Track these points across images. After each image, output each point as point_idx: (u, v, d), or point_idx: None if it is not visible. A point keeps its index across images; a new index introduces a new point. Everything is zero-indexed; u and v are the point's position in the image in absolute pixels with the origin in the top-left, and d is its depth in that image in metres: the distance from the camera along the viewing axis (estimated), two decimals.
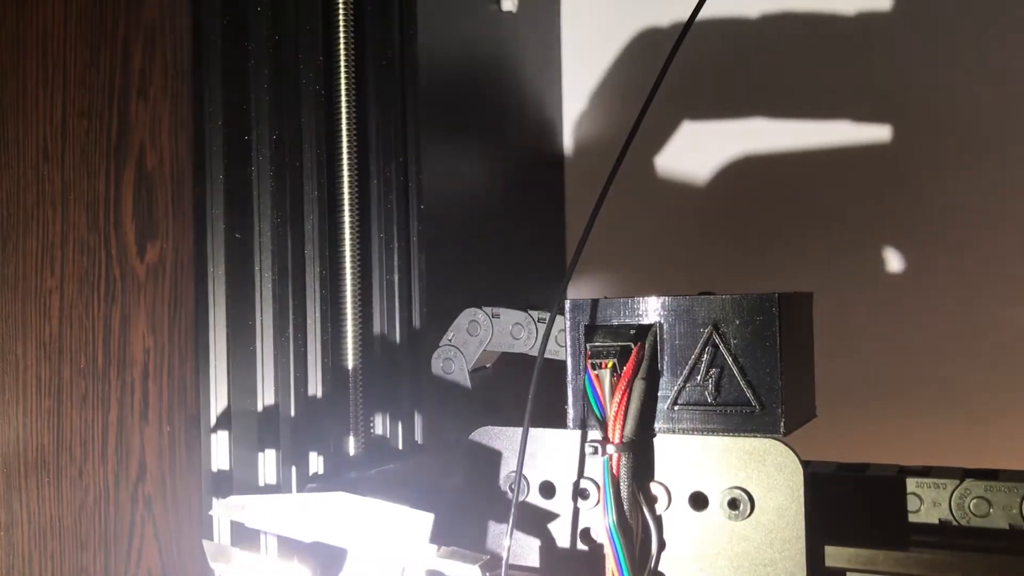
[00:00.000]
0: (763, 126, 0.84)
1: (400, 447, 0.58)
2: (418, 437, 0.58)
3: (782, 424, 0.42)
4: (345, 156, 0.58)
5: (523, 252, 0.91)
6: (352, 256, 0.57)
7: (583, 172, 0.95)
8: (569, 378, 0.45)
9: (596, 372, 0.44)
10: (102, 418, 0.55)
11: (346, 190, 0.58)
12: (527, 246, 0.92)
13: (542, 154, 0.94)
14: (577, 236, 0.93)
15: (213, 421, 0.54)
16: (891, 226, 0.80)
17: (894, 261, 0.80)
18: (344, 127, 0.58)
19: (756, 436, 0.42)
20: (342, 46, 0.58)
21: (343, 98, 0.58)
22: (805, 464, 0.43)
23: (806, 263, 0.83)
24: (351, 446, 0.56)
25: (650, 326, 0.44)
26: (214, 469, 0.53)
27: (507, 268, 0.89)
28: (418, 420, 0.58)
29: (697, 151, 0.88)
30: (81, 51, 0.56)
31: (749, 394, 0.42)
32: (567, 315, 0.46)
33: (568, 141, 0.97)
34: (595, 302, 0.46)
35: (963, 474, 0.41)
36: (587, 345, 0.45)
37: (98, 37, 0.57)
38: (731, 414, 0.43)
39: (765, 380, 0.42)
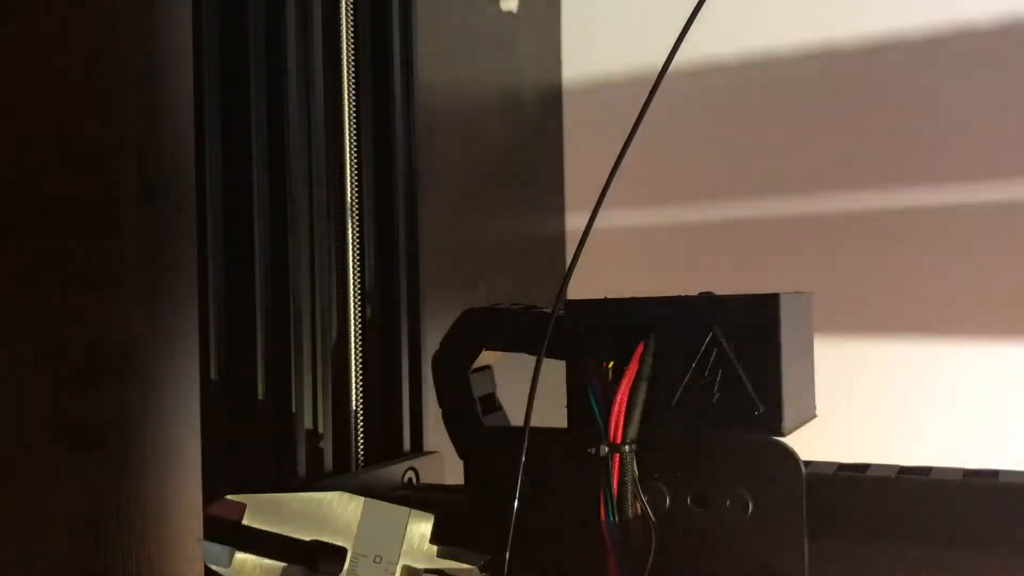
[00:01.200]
0: (764, 124, 0.84)
1: (402, 448, 0.58)
2: (422, 438, 0.58)
3: (783, 424, 0.42)
4: (347, 156, 0.58)
5: (523, 252, 0.91)
6: (353, 257, 0.57)
7: (583, 171, 0.95)
8: (569, 378, 0.45)
9: (596, 372, 0.44)
10: (101, 417, 0.55)
11: (348, 191, 0.58)
12: (527, 246, 0.92)
13: (542, 154, 0.94)
14: (577, 236, 0.93)
15: (213, 419, 0.53)
16: (892, 226, 0.80)
17: (895, 261, 0.80)
18: (346, 128, 0.58)
19: (757, 436, 0.42)
20: (343, 46, 0.58)
21: (344, 99, 0.58)
22: (805, 464, 0.42)
23: (806, 263, 0.82)
24: (351, 447, 0.56)
25: (651, 326, 0.44)
26: (213, 468, 0.53)
27: (507, 268, 0.90)
28: (417, 422, 0.58)
29: (698, 150, 0.88)
30: None
31: (750, 394, 0.42)
32: (567, 315, 0.46)
33: (568, 141, 0.97)
34: (595, 302, 0.46)
35: (963, 474, 0.40)
36: (587, 345, 0.45)
37: None
38: (732, 414, 0.42)
39: (766, 380, 0.42)
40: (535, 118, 0.93)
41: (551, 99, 0.94)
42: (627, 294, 0.47)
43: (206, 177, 0.53)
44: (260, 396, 0.52)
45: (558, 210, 0.95)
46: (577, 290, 0.95)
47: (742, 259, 0.85)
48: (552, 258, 0.94)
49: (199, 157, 0.53)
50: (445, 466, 0.60)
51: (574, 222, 0.95)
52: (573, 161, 0.97)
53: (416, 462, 0.57)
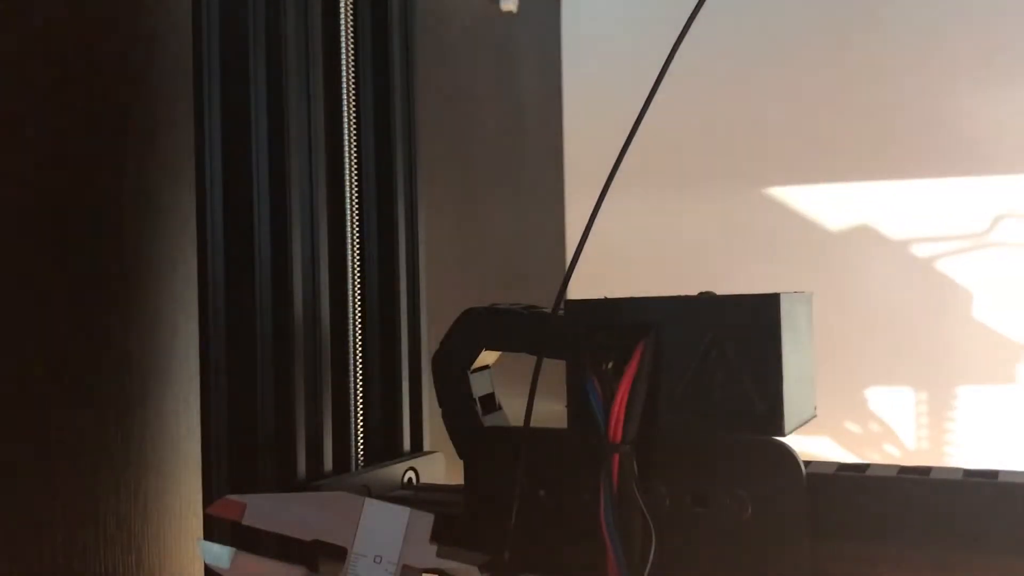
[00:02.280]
0: (764, 122, 0.84)
1: (402, 449, 0.58)
2: (422, 438, 0.58)
3: (783, 424, 0.42)
4: (347, 156, 0.58)
5: (523, 251, 0.91)
6: (352, 257, 0.57)
7: (583, 171, 0.95)
8: (569, 378, 0.45)
9: (596, 372, 0.44)
10: (101, 416, 0.55)
11: (348, 191, 0.58)
12: (527, 245, 0.92)
13: (542, 154, 0.94)
14: (576, 235, 0.93)
15: (213, 419, 0.53)
16: (892, 225, 0.80)
17: (896, 262, 0.80)
18: (345, 128, 0.58)
19: (757, 436, 0.42)
20: (342, 47, 0.58)
21: (344, 99, 0.58)
22: (805, 464, 0.42)
23: (805, 262, 0.82)
24: (351, 447, 0.56)
25: (651, 326, 0.44)
26: (213, 468, 0.53)
27: (508, 268, 0.89)
28: (417, 422, 0.58)
29: (697, 151, 0.88)
30: None
31: (750, 394, 0.42)
32: (567, 315, 0.46)
33: (568, 140, 0.97)
34: (595, 302, 0.46)
35: (963, 474, 0.40)
36: (587, 345, 0.45)
37: None
38: (732, 414, 0.42)
39: (766, 380, 0.42)
40: (535, 117, 0.93)
41: (551, 98, 0.94)
42: (627, 294, 0.47)
43: (206, 175, 0.53)
44: (260, 396, 0.52)
45: (558, 209, 0.95)
46: (577, 290, 0.95)
47: (742, 258, 0.85)
48: (552, 257, 0.94)
49: (199, 157, 0.53)
50: (445, 466, 0.60)
51: (574, 221, 0.95)
52: (573, 160, 0.97)
53: (416, 462, 0.57)
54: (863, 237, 0.82)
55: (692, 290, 0.46)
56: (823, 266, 0.83)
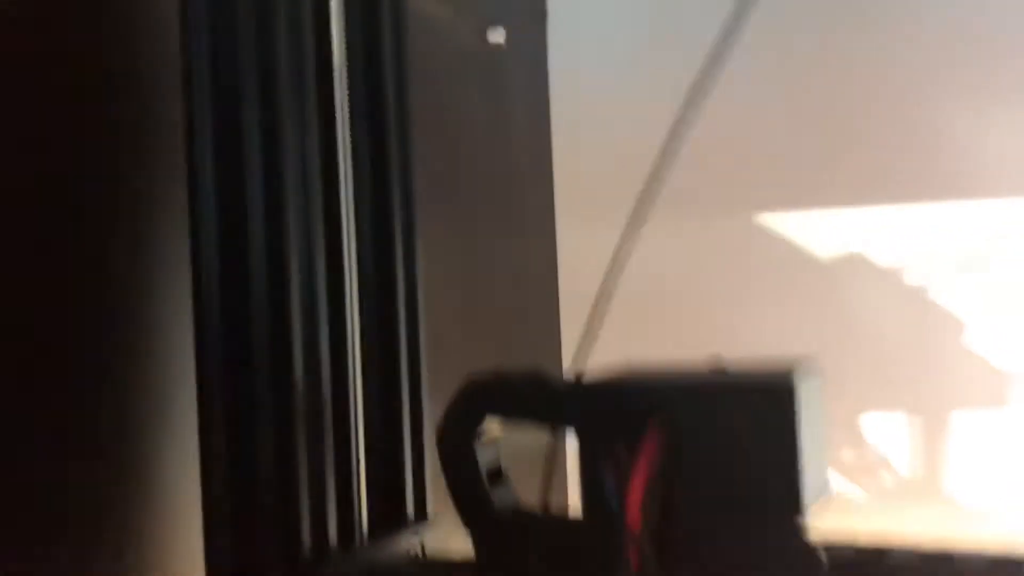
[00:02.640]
0: (755, 150, 0.84)
1: (407, 518, 0.57)
2: (426, 505, 0.57)
3: (800, 505, 0.41)
4: (343, 203, 0.57)
5: (515, 285, 0.90)
6: (351, 322, 0.56)
7: (572, 198, 0.94)
8: (581, 464, 0.45)
9: (610, 458, 0.43)
10: (96, 486, 0.54)
11: (345, 237, 0.57)
12: (518, 280, 0.91)
13: (531, 183, 0.93)
14: (567, 267, 0.92)
15: (216, 497, 0.52)
16: (884, 251, 0.80)
17: (888, 288, 0.80)
18: (341, 172, 0.57)
19: (776, 517, 0.42)
20: (335, 67, 0.57)
21: (339, 140, 0.57)
22: (823, 549, 0.42)
23: (797, 289, 0.82)
24: (355, 519, 0.55)
25: (664, 408, 0.44)
26: (216, 550, 0.52)
27: (499, 301, 0.88)
28: (420, 490, 0.57)
29: (688, 179, 0.87)
30: None
31: (767, 477, 0.42)
32: (577, 398, 0.45)
33: (558, 170, 0.96)
34: (607, 383, 0.45)
35: (988, 562, 0.40)
36: (600, 429, 0.44)
37: None
38: (749, 497, 0.42)
39: (783, 463, 0.42)
40: (524, 148, 0.92)
41: (540, 130, 0.93)
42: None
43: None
44: (262, 473, 0.51)
45: (549, 241, 0.94)
46: (573, 320, 0.93)
47: (735, 285, 0.85)
48: (544, 290, 0.93)
49: (192, 198, 0.51)
50: (450, 532, 0.59)
51: (564, 252, 0.95)
52: (562, 189, 0.96)
53: (421, 532, 0.56)
54: (855, 263, 0.82)
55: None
56: (815, 292, 0.83)
